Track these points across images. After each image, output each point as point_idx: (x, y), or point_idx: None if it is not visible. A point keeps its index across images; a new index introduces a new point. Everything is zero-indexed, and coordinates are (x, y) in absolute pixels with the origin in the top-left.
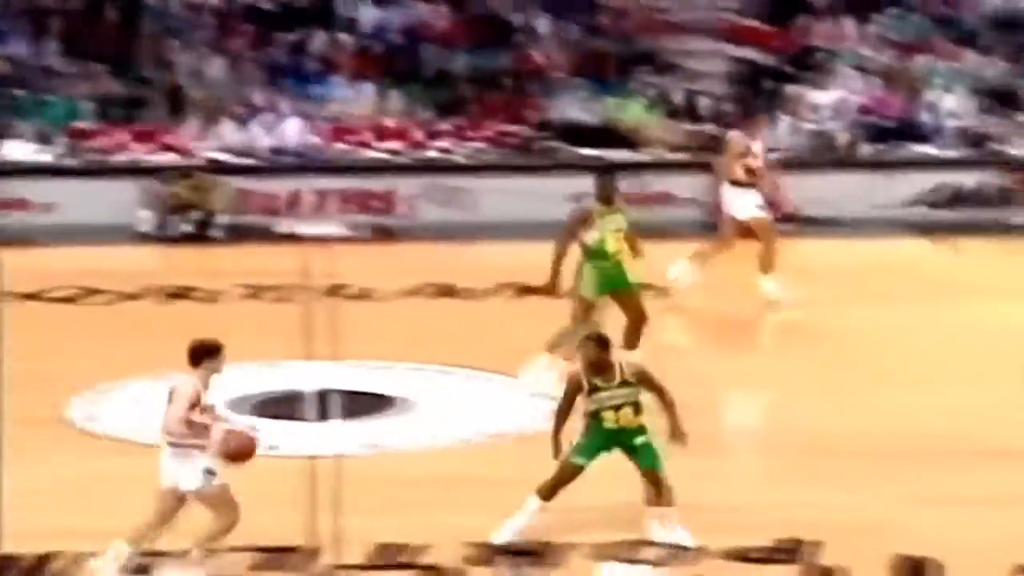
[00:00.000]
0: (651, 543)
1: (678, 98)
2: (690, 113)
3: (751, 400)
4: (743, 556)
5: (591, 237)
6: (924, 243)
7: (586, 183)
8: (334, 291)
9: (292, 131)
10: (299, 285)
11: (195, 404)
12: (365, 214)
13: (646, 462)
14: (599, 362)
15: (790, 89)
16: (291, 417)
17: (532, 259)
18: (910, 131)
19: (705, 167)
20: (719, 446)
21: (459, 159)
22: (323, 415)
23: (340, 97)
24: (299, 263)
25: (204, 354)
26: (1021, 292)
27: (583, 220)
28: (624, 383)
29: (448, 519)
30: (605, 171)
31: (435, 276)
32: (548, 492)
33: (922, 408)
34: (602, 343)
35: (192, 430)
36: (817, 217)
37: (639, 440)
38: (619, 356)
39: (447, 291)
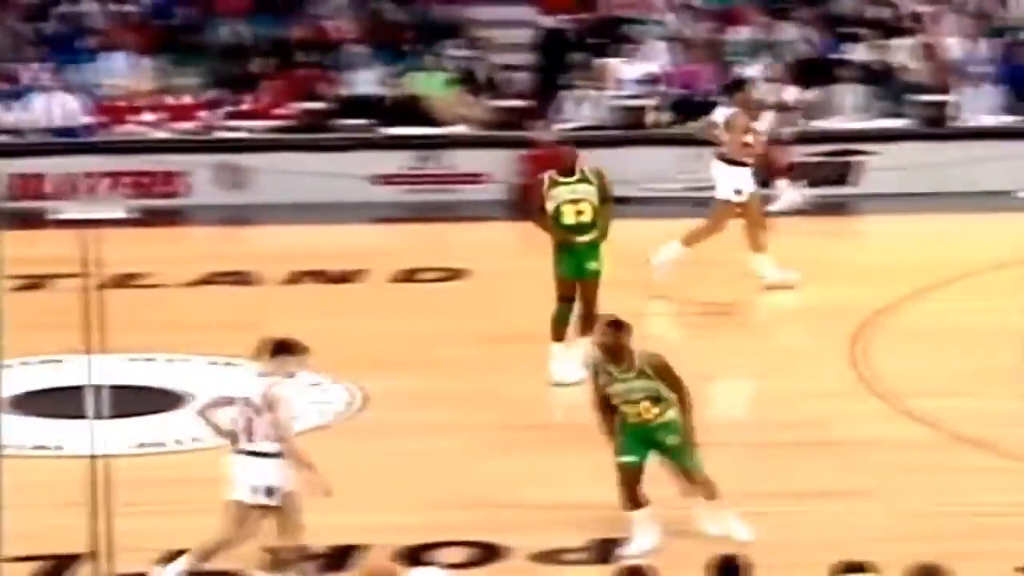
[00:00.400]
0: (457, 544)
1: (481, 71)
2: (493, 87)
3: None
4: (554, 557)
5: (549, 207)
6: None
7: (385, 161)
8: (114, 279)
9: (66, 109)
10: (76, 273)
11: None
12: (146, 197)
13: (683, 463)
14: (614, 348)
15: (597, 61)
16: (68, 415)
17: (325, 242)
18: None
19: (509, 143)
20: (544, 442)
21: (247, 137)
22: (100, 412)
23: (119, 73)
24: (76, 250)
25: (286, 352)
26: (835, 274)
27: (539, 190)
28: (641, 374)
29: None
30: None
31: (221, 261)
32: (627, 502)
33: (734, 398)
34: (620, 327)
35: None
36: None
37: (671, 440)
38: (638, 345)
39: (234, 277)
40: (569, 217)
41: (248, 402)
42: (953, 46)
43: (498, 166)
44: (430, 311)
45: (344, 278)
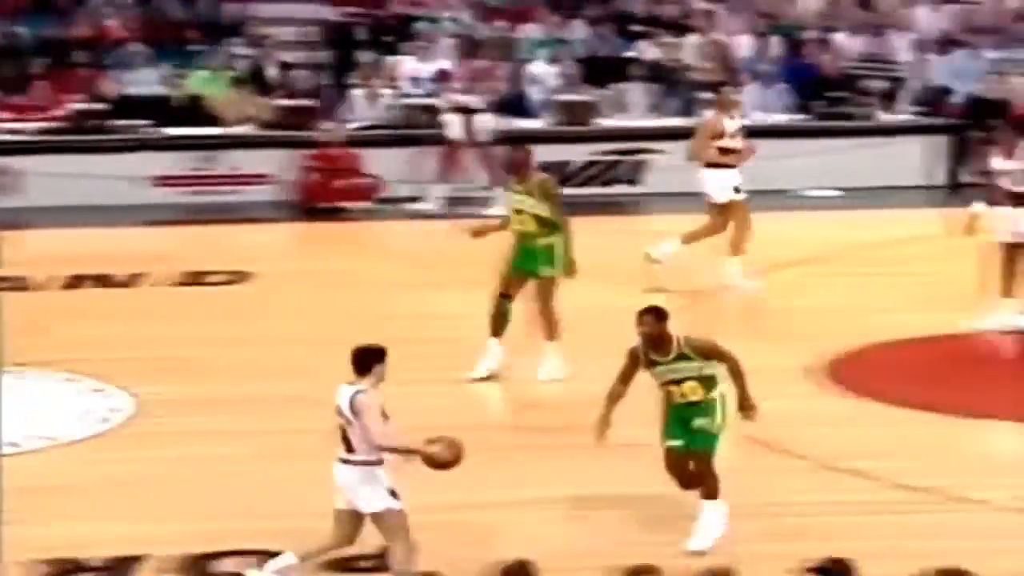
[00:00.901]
0: (239, 553)
1: (265, 69)
2: (277, 85)
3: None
4: (345, 564)
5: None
6: None
7: (165, 162)
8: None
9: None
10: None
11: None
12: None
13: (698, 445)
14: (654, 335)
15: (385, 59)
16: None
17: (104, 246)
18: (511, 104)
19: (293, 143)
20: (332, 448)
21: (17, 139)
22: None
23: None
24: None
25: (374, 359)
26: (616, 273)
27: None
28: (681, 356)
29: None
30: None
31: None
32: (686, 485)
33: (509, 399)
34: (659, 315)
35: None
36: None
37: (700, 422)
38: (678, 330)
39: (11, 283)
40: (515, 224)
41: (340, 413)
42: (740, 44)
43: (282, 166)
44: (214, 315)
45: (125, 282)
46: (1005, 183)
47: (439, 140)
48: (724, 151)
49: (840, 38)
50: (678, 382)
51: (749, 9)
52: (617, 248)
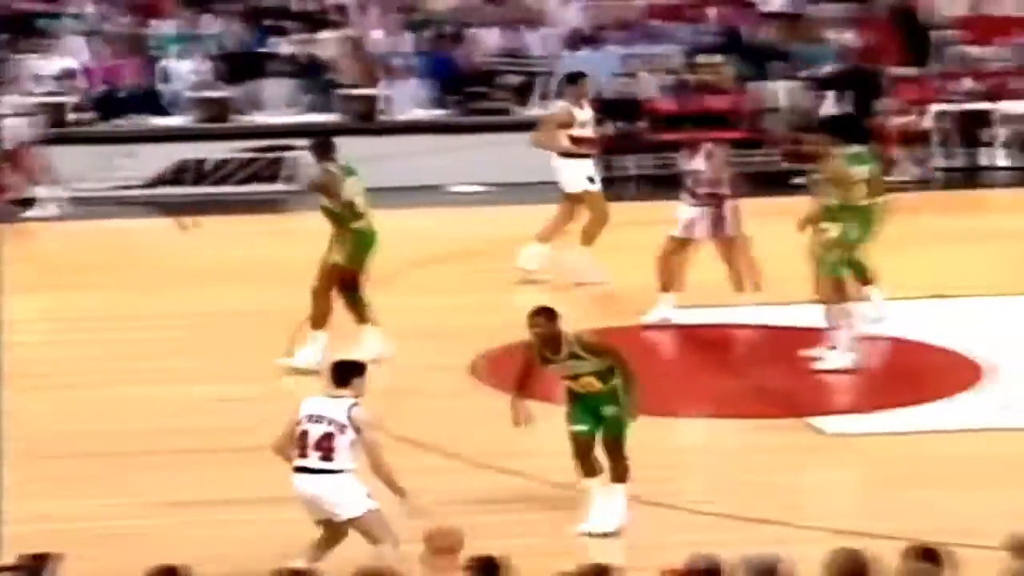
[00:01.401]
0: None
1: None
2: None
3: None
4: None
5: (343, 199)
6: (167, 223)
7: None
8: None
9: None
10: None
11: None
12: None
13: (608, 432)
14: (546, 335)
15: (10, 58)
16: None
17: None
18: (146, 102)
19: None
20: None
21: None
22: None
23: None
24: None
25: (354, 372)
26: (259, 272)
27: (325, 186)
28: (572, 355)
29: None
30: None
31: None
32: (583, 469)
33: (182, 403)
34: (549, 315)
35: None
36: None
37: (609, 411)
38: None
39: None
40: (364, 205)
41: (331, 421)
42: (379, 40)
43: None
44: None
45: None
46: (689, 181)
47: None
48: (577, 140)
49: (475, 32)
50: (575, 377)
51: (386, 4)
52: (261, 246)
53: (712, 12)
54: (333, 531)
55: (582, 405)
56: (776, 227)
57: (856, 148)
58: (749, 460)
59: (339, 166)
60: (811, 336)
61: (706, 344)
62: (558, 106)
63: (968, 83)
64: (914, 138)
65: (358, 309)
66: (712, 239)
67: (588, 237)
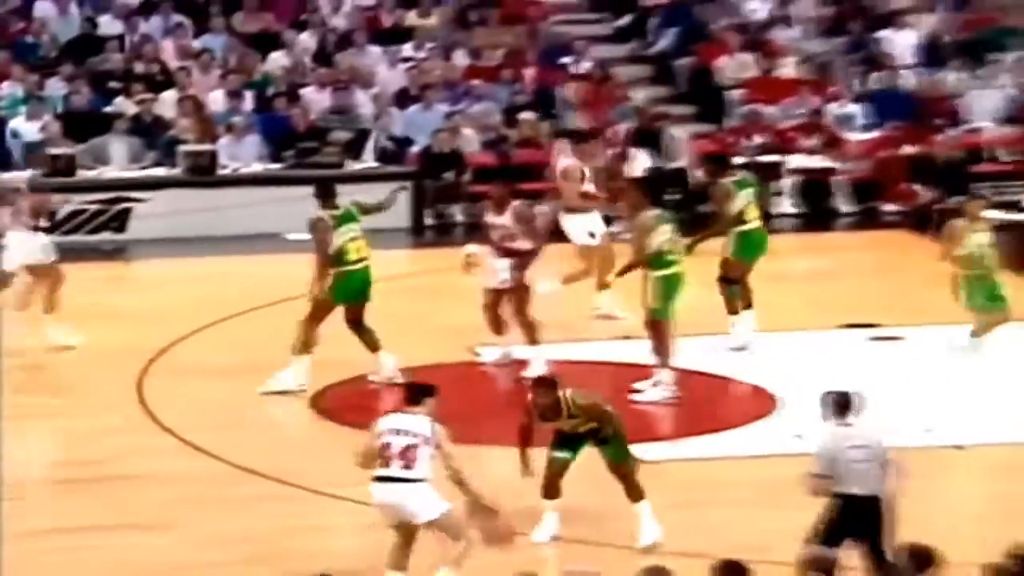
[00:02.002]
0: None
1: None
2: None
3: None
4: None
5: (334, 246)
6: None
7: None
8: None
9: None
10: None
11: None
12: None
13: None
14: (549, 404)
15: None
16: None
17: None
18: None
19: None
20: None
21: None
22: None
23: None
24: None
25: (426, 394)
26: (116, 317)
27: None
28: (571, 415)
29: None
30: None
31: None
32: (545, 491)
33: (36, 440)
34: (551, 385)
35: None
36: None
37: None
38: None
39: None
40: (354, 252)
41: (414, 435)
42: (215, 99)
43: None
44: None
45: None
46: (494, 235)
47: None
48: (584, 195)
49: (308, 92)
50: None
51: (222, 66)
52: (106, 292)
53: (528, 73)
54: (408, 534)
55: (566, 436)
56: None
57: (738, 175)
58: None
59: (334, 214)
60: (642, 371)
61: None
62: (569, 163)
63: (759, 138)
64: None
65: (365, 340)
66: (511, 286)
67: (603, 282)
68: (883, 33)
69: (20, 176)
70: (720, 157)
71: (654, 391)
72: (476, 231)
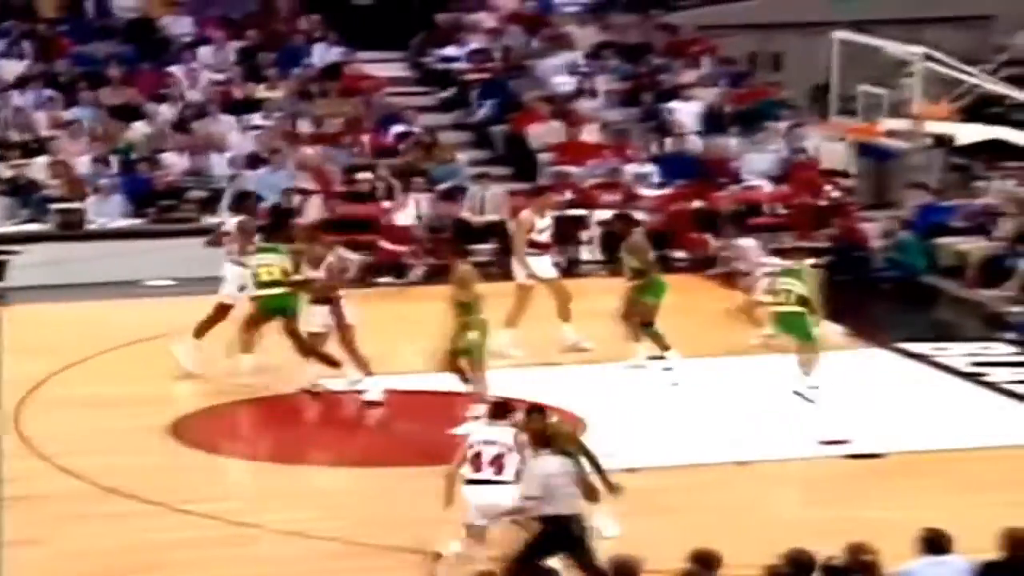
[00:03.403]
0: None
1: None
2: None
3: None
4: None
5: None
6: None
7: None
8: None
9: None
10: None
11: None
12: None
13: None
14: (539, 431)
15: None
16: None
17: None
18: None
19: None
20: None
21: None
22: None
23: None
24: None
25: (511, 410)
26: None
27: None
28: (561, 451)
29: None
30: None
31: None
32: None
33: None
34: (541, 412)
35: None
36: None
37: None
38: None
39: None
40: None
41: (502, 444)
42: (83, 163)
43: None
44: None
45: None
46: (312, 287)
47: None
48: (532, 243)
49: (167, 156)
50: None
51: (89, 134)
52: None
53: (365, 138)
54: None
55: None
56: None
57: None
58: (395, 499)
59: (257, 246)
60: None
61: (390, 406)
62: (524, 214)
63: (567, 195)
64: None
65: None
66: (336, 330)
67: (565, 315)
68: (672, 104)
69: None
70: (627, 215)
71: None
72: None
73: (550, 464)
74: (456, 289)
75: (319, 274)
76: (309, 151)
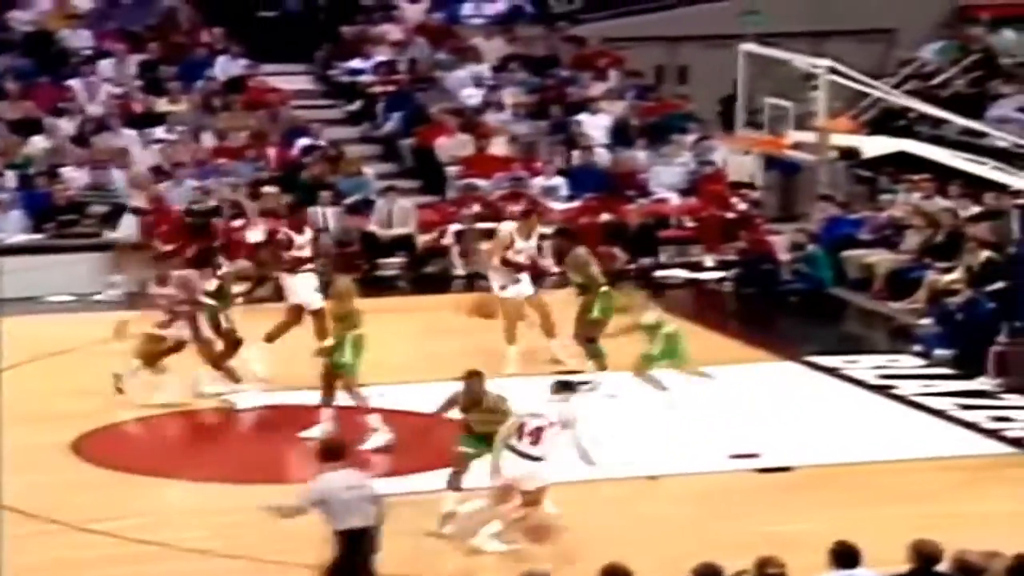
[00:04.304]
0: None
1: None
2: None
3: None
4: None
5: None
6: None
7: None
8: None
9: None
10: None
11: None
12: None
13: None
14: (471, 396)
15: None
16: None
17: None
18: None
19: None
20: None
21: None
22: None
23: None
24: None
25: (572, 388)
26: None
27: None
28: (488, 410)
29: None
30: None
31: None
32: (452, 483)
33: None
34: (480, 376)
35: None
36: None
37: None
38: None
39: None
40: None
41: (543, 416)
42: None
43: None
44: None
45: None
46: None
47: None
48: (505, 261)
49: (67, 171)
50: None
51: None
52: None
53: (271, 152)
54: (533, 500)
55: (479, 436)
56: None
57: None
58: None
59: None
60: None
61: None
62: (504, 230)
63: (475, 208)
64: (440, 251)
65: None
66: (194, 343)
67: (548, 329)
68: (579, 116)
69: None
70: (565, 229)
71: (376, 436)
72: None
73: (337, 479)
74: (334, 303)
75: (169, 291)
76: (141, 169)
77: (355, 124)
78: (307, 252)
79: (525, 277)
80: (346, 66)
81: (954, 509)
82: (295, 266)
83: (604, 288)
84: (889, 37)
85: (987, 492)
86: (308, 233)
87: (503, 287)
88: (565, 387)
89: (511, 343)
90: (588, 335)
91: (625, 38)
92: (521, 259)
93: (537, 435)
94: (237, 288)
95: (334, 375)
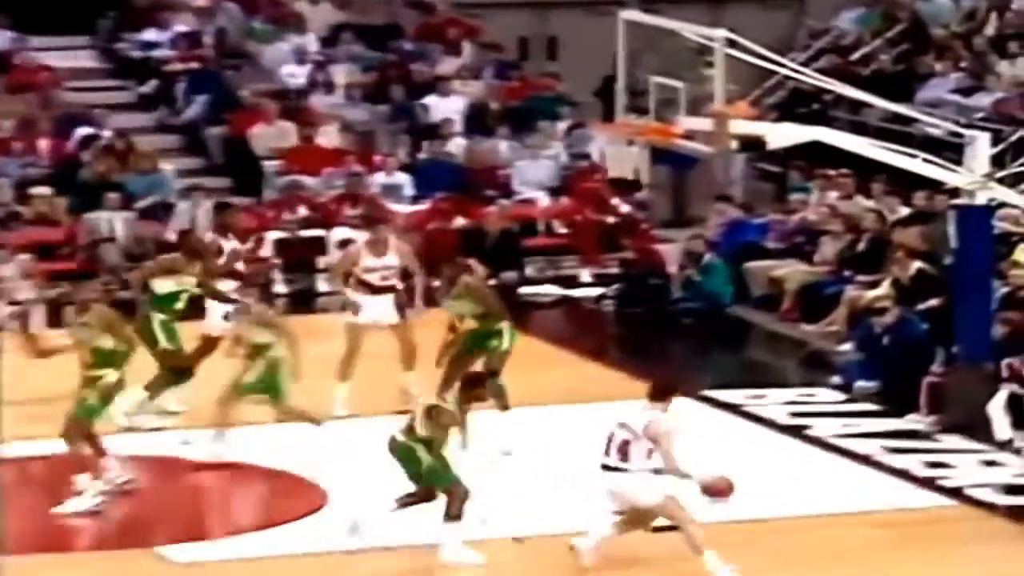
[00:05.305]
0: None
1: None
2: None
3: None
4: None
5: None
6: None
7: None
8: None
9: None
10: None
11: None
12: None
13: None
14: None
15: None
16: None
17: None
18: None
19: None
20: None
21: None
22: None
23: None
24: None
25: (672, 391)
26: None
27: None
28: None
29: None
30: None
31: None
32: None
33: None
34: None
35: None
36: None
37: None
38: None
39: None
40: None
41: (628, 428)
42: None
43: None
44: None
45: None
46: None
47: None
48: (360, 282)
49: None
50: None
51: None
52: None
53: (42, 143)
54: (636, 518)
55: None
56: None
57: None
58: None
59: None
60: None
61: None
62: (353, 247)
63: (302, 211)
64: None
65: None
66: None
67: (408, 361)
68: (427, 100)
69: None
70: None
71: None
72: None
73: None
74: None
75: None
76: None
77: (149, 109)
78: None
79: (383, 301)
80: (137, 39)
81: (880, 573)
82: None
83: (506, 319)
84: (798, 4)
85: (921, 553)
86: None
87: (350, 311)
88: (662, 392)
89: (343, 379)
90: (490, 369)
91: (482, 4)
92: (375, 279)
93: (624, 449)
94: None
95: (78, 423)
